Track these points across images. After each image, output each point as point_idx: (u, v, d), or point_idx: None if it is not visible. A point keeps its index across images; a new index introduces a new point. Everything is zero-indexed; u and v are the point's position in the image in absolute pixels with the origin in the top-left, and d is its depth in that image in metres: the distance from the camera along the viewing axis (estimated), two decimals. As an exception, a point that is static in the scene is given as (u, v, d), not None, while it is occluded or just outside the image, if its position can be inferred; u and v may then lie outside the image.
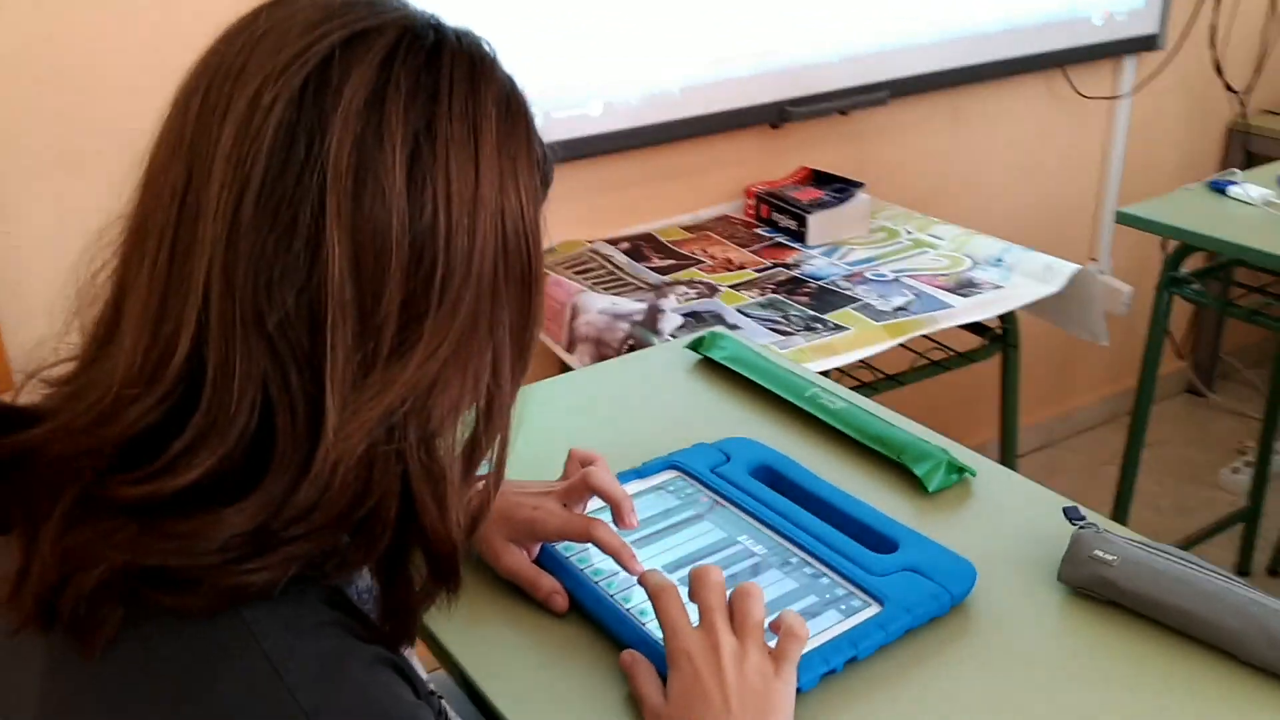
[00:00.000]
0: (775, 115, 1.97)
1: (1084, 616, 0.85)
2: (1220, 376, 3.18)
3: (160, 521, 0.51)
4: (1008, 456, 1.87)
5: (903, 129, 2.25)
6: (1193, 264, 1.88)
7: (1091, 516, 0.92)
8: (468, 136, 0.55)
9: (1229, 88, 2.74)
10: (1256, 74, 2.77)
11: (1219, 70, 2.69)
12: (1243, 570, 2.39)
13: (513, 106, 0.58)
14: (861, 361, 1.53)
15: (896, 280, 1.70)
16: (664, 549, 0.90)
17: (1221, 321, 3.07)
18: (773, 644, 0.75)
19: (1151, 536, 0.88)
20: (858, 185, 1.89)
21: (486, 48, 0.58)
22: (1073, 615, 0.85)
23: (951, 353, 1.70)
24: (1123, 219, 1.79)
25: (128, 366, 0.53)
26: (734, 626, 0.74)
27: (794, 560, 0.88)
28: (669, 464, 1.01)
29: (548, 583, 0.85)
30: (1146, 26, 2.48)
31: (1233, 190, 1.81)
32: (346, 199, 0.52)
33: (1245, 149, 2.82)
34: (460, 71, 0.56)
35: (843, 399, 1.11)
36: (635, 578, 0.83)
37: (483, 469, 0.63)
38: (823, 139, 2.12)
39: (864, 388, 1.62)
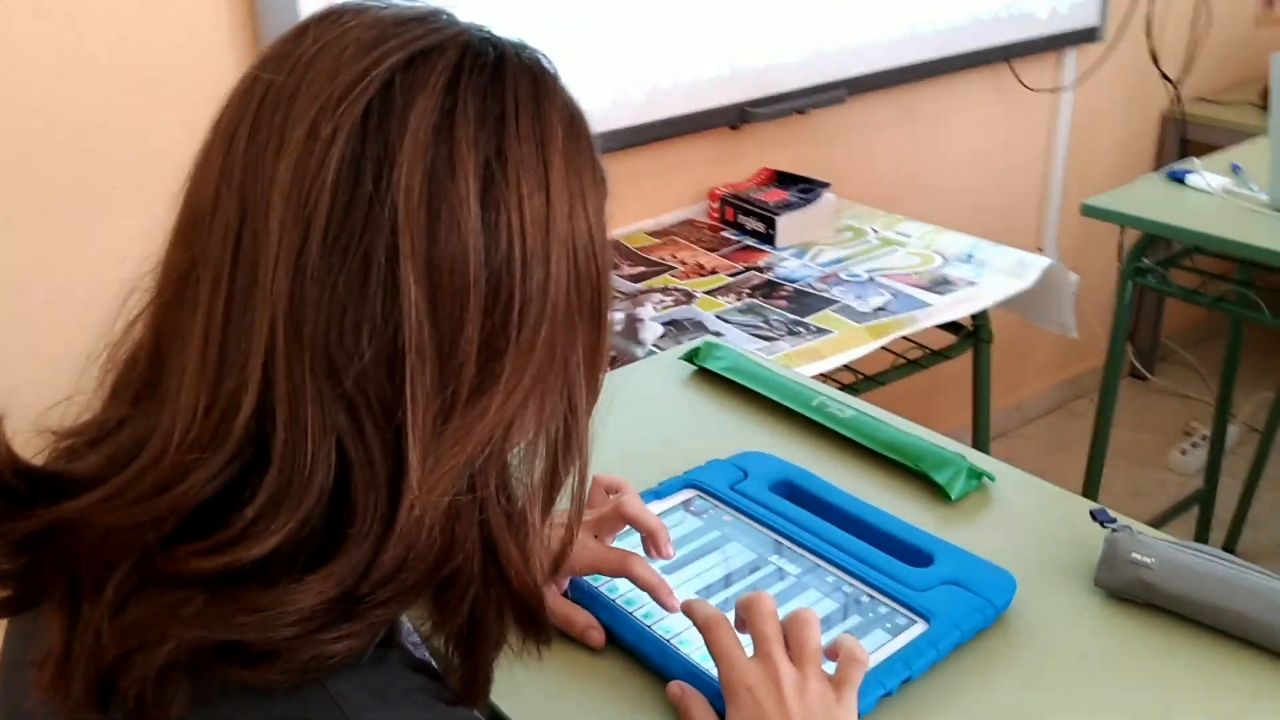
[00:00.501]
0: (735, 117, 1.95)
1: (1125, 621, 0.84)
2: (1160, 359, 3.25)
3: (235, 592, 0.47)
4: (980, 447, 1.88)
5: (859, 127, 2.25)
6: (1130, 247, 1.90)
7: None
8: (537, 159, 0.51)
9: (1165, 77, 2.80)
10: (1190, 62, 2.83)
11: (1155, 60, 2.74)
12: (1200, 550, 2.44)
13: (576, 123, 0.54)
14: (843, 364, 1.52)
15: (871, 280, 1.69)
16: (695, 574, 0.87)
17: (1161, 305, 3.13)
18: (828, 668, 0.73)
19: None
20: (823, 185, 1.89)
21: (546, 62, 0.54)
22: (1114, 620, 0.84)
23: (927, 350, 1.70)
24: (1088, 211, 1.81)
25: (185, 427, 0.49)
26: (791, 655, 0.71)
27: (831, 579, 0.86)
28: (687, 483, 0.98)
29: (582, 617, 0.82)
30: (1087, 19, 2.51)
31: (1191, 179, 1.83)
32: (421, 234, 0.48)
33: (1181, 136, 2.88)
34: (525, 90, 0.52)
35: (851, 407, 1.09)
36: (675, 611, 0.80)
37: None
38: (782, 139, 2.11)
39: (846, 389, 1.60)
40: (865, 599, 0.84)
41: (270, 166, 0.49)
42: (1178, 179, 1.86)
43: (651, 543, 0.84)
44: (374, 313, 0.48)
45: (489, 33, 0.54)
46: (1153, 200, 1.81)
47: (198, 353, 0.49)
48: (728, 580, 0.87)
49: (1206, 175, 1.82)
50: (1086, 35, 2.53)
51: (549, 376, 0.53)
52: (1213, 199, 1.80)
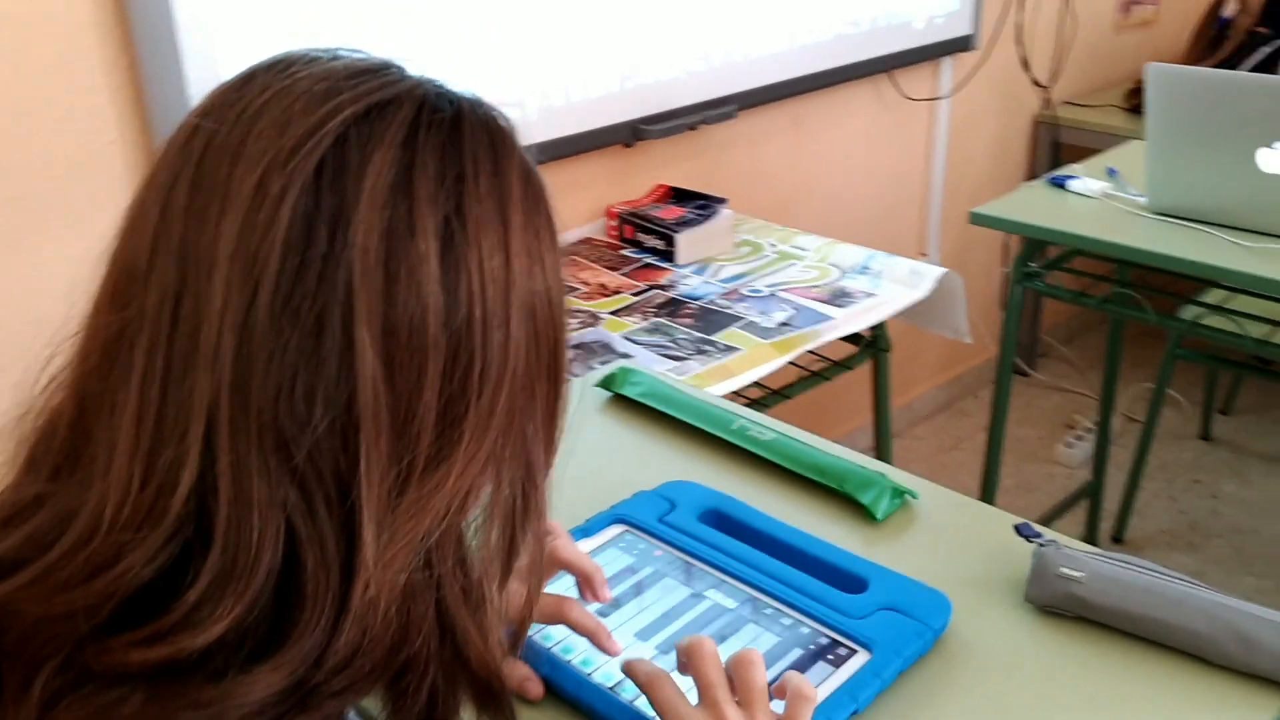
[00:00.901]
0: (629, 134, 1.94)
1: (1057, 635, 0.85)
2: (1039, 355, 3.36)
3: (178, 688, 0.43)
4: (884, 459, 1.90)
5: (749, 141, 2.26)
6: (1019, 251, 1.95)
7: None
8: (497, 218, 0.49)
9: (1036, 82, 2.89)
10: (1058, 68, 2.93)
11: (1026, 66, 2.83)
12: (1089, 540, 2.52)
13: (532, 181, 0.52)
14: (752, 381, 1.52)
15: (773, 295, 1.69)
16: (632, 614, 0.85)
17: (1039, 304, 3.23)
18: (776, 706, 0.72)
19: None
20: (719, 201, 1.89)
21: (501, 119, 0.52)
22: (1047, 635, 0.85)
23: (830, 362, 1.71)
24: (976, 219, 1.85)
25: (118, 504, 0.45)
26: (738, 698, 0.70)
27: (768, 611, 0.85)
28: (615, 518, 0.96)
29: (518, 669, 0.79)
30: (961, 28, 2.58)
31: (1072, 185, 1.89)
32: (378, 295, 0.45)
33: (1052, 139, 2.98)
34: (483, 147, 0.50)
35: (771, 429, 1.09)
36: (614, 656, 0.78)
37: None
38: (675, 155, 2.10)
39: (755, 404, 1.61)
40: (805, 630, 0.83)
41: (214, 224, 0.46)
42: (1059, 184, 1.92)
43: (587, 586, 0.82)
44: (327, 379, 0.45)
45: (443, 86, 0.52)
46: (1037, 206, 1.87)
47: (131, 422, 0.46)
48: (666, 618, 0.85)
49: (1087, 180, 1.89)
50: (961, 44, 2.60)
51: (507, 441, 0.51)
52: (1093, 203, 1.86)
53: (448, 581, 0.50)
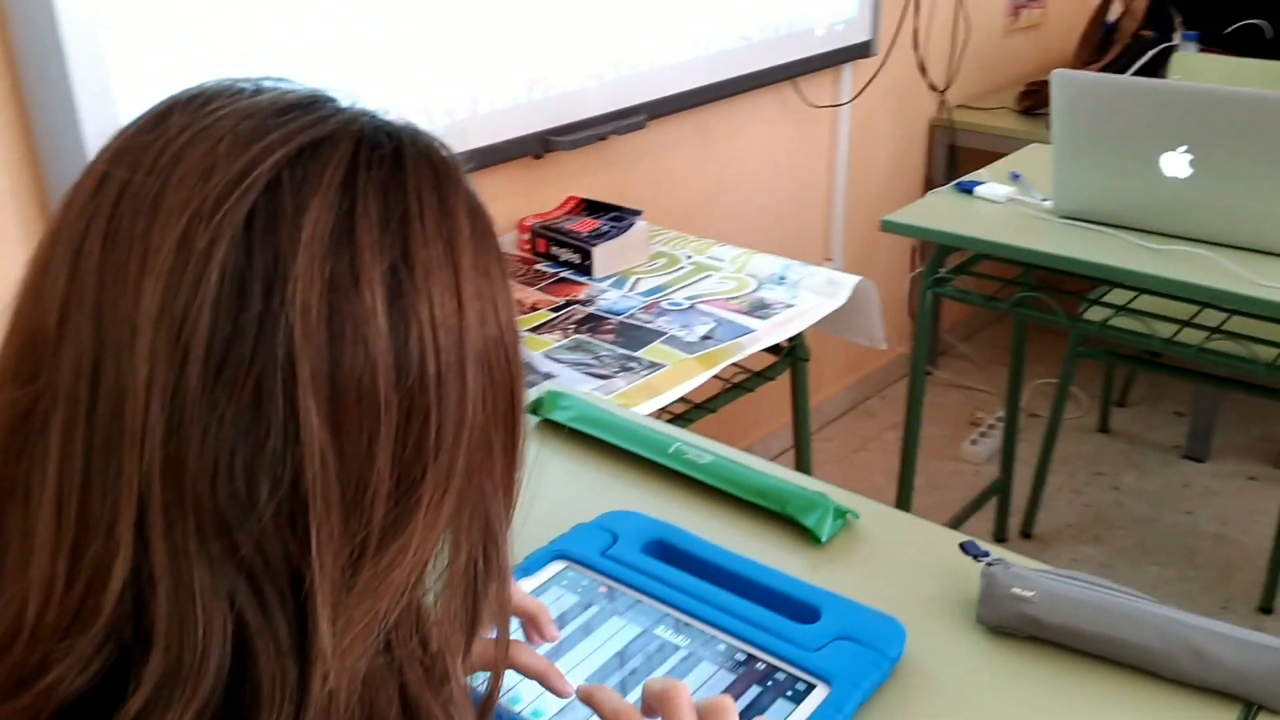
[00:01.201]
0: (539, 146, 1.90)
1: (1011, 656, 0.85)
2: (940, 353, 3.42)
3: None
4: (804, 466, 1.90)
5: (659, 150, 2.24)
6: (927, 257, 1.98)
7: (880, 518, 0.91)
8: (446, 261, 0.45)
9: (932, 87, 2.94)
10: (953, 72, 2.99)
11: (924, 71, 2.88)
12: (999, 538, 2.57)
13: (479, 216, 0.48)
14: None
15: (693, 308, 1.68)
16: (582, 656, 0.82)
17: (939, 303, 3.29)
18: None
19: (917, 513, 0.90)
20: (634, 213, 1.86)
21: (443, 149, 0.48)
22: (1001, 656, 0.85)
23: (750, 373, 1.70)
24: (887, 226, 1.86)
25: (40, 607, 0.40)
26: None
27: (723, 648, 0.83)
28: (555, 554, 0.92)
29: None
30: (860, 35, 2.60)
31: (979, 190, 1.92)
32: (322, 356, 0.41)
33: (949, 142, 3.04)
34: (427, 183, 0.46)
35: (709, 451, 1.07)
36: (563, 701, 0.74)
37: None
38: (584, 166, 2.07)
39: (680, 419, 1.58)
40: (760, 665, 0.81)
41: (134, 284, 0.41)
42: (966, 190, 1.94)
43: (533, 627, 0.78)
44: (271, 453, 0.41)
45: (379, 117, 0.47)
46: (946, 212, 1.89)
47: (50, 513, 0.41)
48: (618, 660, 0.82)
49: (993, 185, 1.91)
50: (861, 50, 2.62)
51: (466, 500, 0.47)
52: (1000, 208, 1.89)
53: (410, 664, 0.46)
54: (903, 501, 2.12)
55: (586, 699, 0.69)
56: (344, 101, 0.47)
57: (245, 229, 0.41)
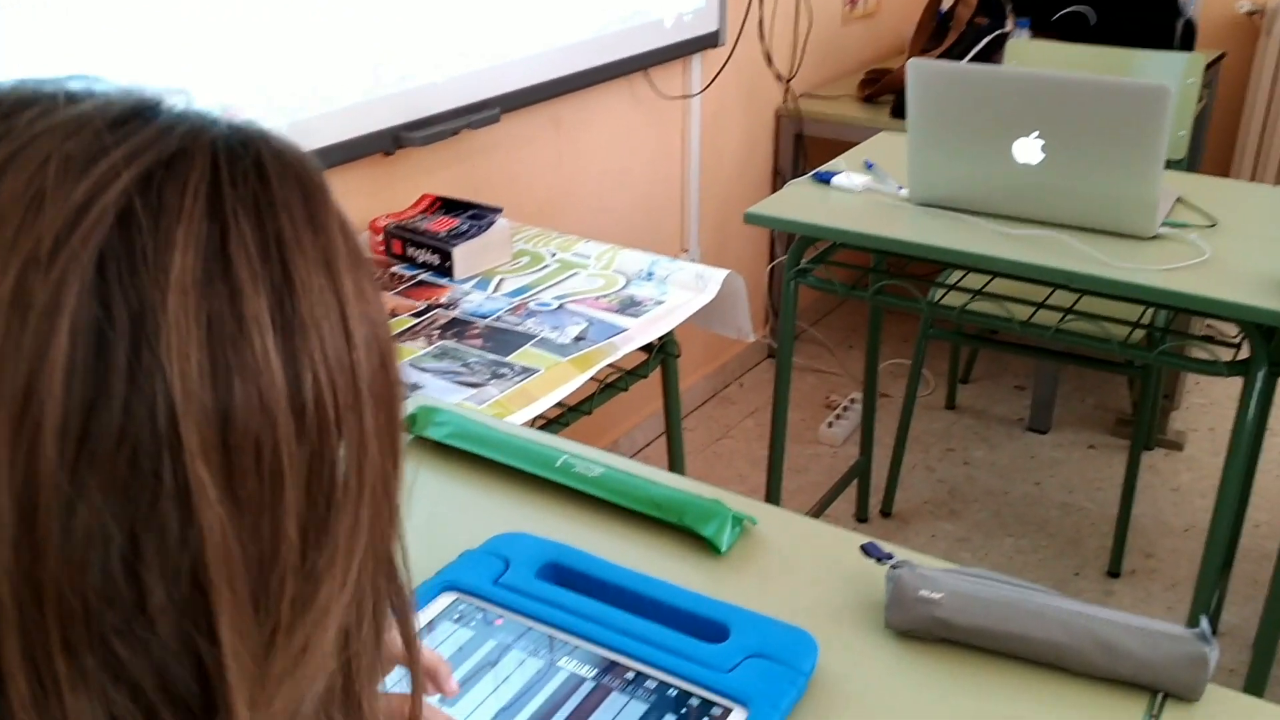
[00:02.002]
0: (389, 142, 1.82)
1: (921, 659, 0.84)
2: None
3: None
4: (676, 461, 1.88)
5: (513, 144, 2.18)
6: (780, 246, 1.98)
7: (780, 516, 0.90)
8: (328, 285, 0.39)
9: (778, 76, 2.96)
10: (797, 62, 3.01)
11: (769, 60, 2.89)
12: (861, 518, 2.61)
13: (346, 225, 0.42)
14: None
15: (562, 308, 1.63)
16: (481, 697, 0.77)
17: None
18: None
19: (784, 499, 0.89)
20: (494, 210, 1.80)
21: (293, 149, 0.41)
22: (911, 660, 0.84)
23: (623, 372, 1.66)
24: (750, 219, 1.85)
25: None
26: None
27: (630, 676, 0.79)
28: (443, 585, 0.87)
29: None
30: (708, 25, 2.59)
31: (836, 180, 1.93)
32: (210, 415, 0.35)
33: (795, 131, 3.07)
34: (294, 197, 0.39)
35: (598, 463, 1.02)
36: None
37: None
38: (437, 162, 2.00)
39: (554, 424, 1.54)
40: (674, 693, 0.77)
41: None
42: (824, 180, 1.95)
43: (432, 680, 0.73)
44: (157, 539, 0.34)
45: (222, 120, 0.40)
46: (804, 203, 1.89)
47: None
48: (523, 697, 0.77)
49: (850, 175, 1.93)
50: (709, 40, 2.61)
51: (372, 548, 0.42)
52: (857, 197, 1.90)
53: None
54: (772, 490, 2.13)
55: None
56: (176, 103, 0.40)
57: (98, 274, 0.34)
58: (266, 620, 0.37)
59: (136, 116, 0.38)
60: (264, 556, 0.36)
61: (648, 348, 1.70)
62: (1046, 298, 1.75)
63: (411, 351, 1.49)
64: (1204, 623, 0.79)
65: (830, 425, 2.98)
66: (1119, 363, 2.40)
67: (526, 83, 2.07)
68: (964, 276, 1.89)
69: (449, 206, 1.84)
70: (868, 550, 0.91)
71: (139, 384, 0.34)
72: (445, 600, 0.86)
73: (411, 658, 0.49)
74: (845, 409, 3.00)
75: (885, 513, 2.64)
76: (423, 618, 0.84)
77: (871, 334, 2.44)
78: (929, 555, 0.90)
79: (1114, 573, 2.39)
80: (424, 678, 0.73)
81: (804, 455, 2.92)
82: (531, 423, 1.44)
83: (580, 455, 1.04)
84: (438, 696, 0.74)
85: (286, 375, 0.37)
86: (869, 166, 2.01)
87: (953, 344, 3.06)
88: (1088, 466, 2.79)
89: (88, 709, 0.34)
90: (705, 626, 0.83)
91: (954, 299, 1.87)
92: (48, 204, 0.35)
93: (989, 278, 1.83)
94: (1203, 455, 2.81)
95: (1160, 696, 0.79)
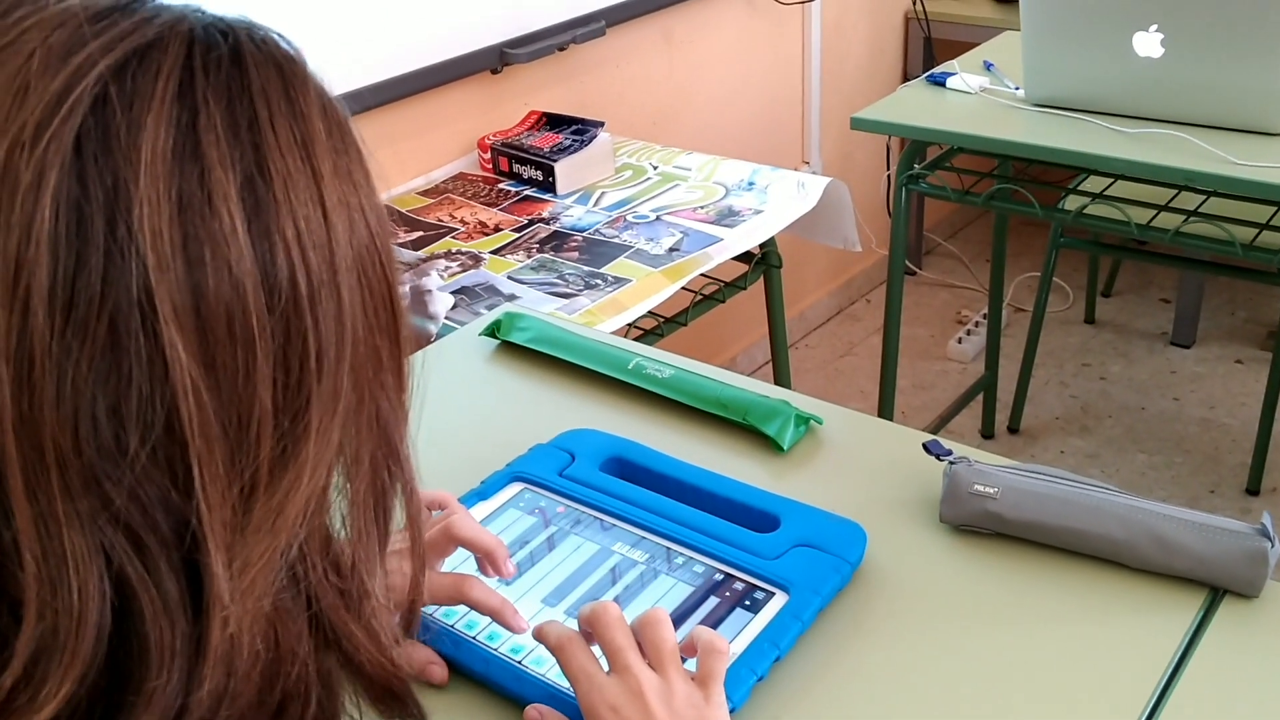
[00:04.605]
0: (495, 60, 1.85)
1: (974, 553, 0.83)
2: (925, 253, 3.38)
3: None
4: (782, 375, 1.88)
5: (620, 59, 2.18)
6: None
7: (848, 417, 0.90)
8: (305, 168, 0.42)
9: (904, -21, 2.85)
10: (925, -37, 2.90)
11: (894, -38, 2.79)
12: (987, 434, 2.56)
13: (332, 112, 0.45)
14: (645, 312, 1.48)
15: (659, 220, 1.64)
16: (536, 579, 0.81)
17: (922, 201, 3.24)
18: (691, 665, 0.68)
19: (902, 415, 0.88)
20: (596, 124, 1.81)
21: (284, 42, 0.44)
22: (964, 555, 0.83)
23: (721, 283, 1.67)
24: (857, 124, 1.81)
25: None
26: (648, 659, 0.66)
27: (680, 561, 0.81)
28: (512, 476, 0.91)
29: (420, 653, 0.74)
30: (827, -73, 2.52)
31: (951, 82, 1.87)
32: (182, 286, 0.38)
33: (925, 35, 2.96)
34: (274, 84, 0.42)
35: (669, 365, 1.04)
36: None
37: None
38: (544, 79, 2.02)
39: (651, 335, 1.56)
40: (720, 577, 0.79)
41: None
42: (938, 83, 1.89)
43: (489, 562, 0.77)
44: (137, 396, 0.38)
45: (207, 12, 0.43)
46: (916, 107, 1.84)
47: None
48: (575, 579, 0.81)
49: (965, 77, 1.86)
50: (828, -57, 2.54)
51: (360, 419, 0.45)
52: (972, 99, 1.84)
53: (321, 590, 0.44)
54: (885, 404, 2.11)
55: (538, 636, 0.69)
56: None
57: (75, 155, 0.38)
58: (244, 474, 0.40)
59: (118, 9, 0.41)
60: (238, 416, 0.40)
61: (748, 259, 1.70)
62: (1170, 200, 1.67)
63: (511, 264, 1.53)
64: (1267, 518, 0.77)
65: (960, 341, 2.91)
66: (1270, 272, 2.27)
67: (633, -6, 2.06)
68: (1084, 178, 1.81)
69: (554, 122, 1.87)
70: (929, 448, 0.91)
71: (115, 256, 0.38)
72: (512, 490, 0.90)
73: (413, 533, 0.52)
74: (977, 325, 2.93)
75: (1013, 429, 2.58)
76: (490, 505, 0.88)
77: (996, 244, 2.37)
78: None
79: (1253, 490, 2.29)
80: (483, 560, 0.77)
81: (931, 372, 2.87)
82: (626, 332, 1.47)
83: (653, 358, 1.07)
84: (496, 578, 0.78)
85: (256, 250, 0.40)
86: (988, 67, 1.93)
87: (1090, 255, 2.94)
88: (1232, 381, 2.66)
89: (85, 545, 0.38)
90: (757, 517, 0.85)
91: (1073, 203, 1.80)
92: (31, 93, 0.38)
93: (1109, 181, 1.75)
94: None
95: (1219, 593, 0.77)
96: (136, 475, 0.38)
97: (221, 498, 0.40)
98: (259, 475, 0.41)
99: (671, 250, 1.54)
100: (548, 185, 1.75)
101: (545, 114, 1.90)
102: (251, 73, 0.42)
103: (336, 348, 0.43)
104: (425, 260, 1.55)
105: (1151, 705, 0.70)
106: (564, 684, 0.68)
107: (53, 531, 0.38)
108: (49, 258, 0.37)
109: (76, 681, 0.38)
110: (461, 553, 0.80)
